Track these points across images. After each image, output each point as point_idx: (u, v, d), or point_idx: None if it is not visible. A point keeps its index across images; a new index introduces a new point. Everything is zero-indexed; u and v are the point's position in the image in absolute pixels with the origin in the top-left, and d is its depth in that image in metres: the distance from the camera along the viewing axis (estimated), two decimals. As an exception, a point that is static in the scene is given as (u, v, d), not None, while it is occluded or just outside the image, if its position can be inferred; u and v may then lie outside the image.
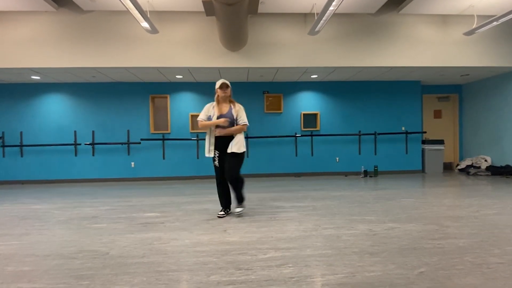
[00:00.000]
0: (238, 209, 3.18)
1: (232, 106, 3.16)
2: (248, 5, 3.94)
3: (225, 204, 3.29)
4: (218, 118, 3.08)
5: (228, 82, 3.13)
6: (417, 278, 1.75)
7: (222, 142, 3.13)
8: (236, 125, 3.12)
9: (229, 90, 3.13)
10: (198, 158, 6.53)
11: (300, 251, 2.21)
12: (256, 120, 6.63)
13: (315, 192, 4.67)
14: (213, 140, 3.15)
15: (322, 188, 5.05)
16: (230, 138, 3.11)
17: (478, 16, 4.95)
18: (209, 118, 3.12)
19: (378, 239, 2.45)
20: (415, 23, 5.26)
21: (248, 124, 3.20)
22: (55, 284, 1.77)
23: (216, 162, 3.17)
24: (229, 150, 3.06)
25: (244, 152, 3.12)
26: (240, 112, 3.15)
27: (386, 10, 4.99)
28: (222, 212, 3.25)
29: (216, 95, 3.16)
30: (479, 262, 1.96)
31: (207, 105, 3.19)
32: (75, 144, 6.32)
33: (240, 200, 3.22)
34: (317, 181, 5.93)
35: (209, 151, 3.16)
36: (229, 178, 3.10)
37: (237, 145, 3.06)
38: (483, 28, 4.50)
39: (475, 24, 4.76)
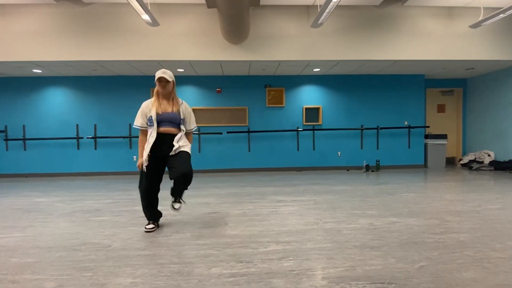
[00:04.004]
0: (178, 205, 2.59)
1: (177, 104, 2.58)
2: (250, -3, 3.89)
3: (155, 216, 2.71)
4: (159, 118, 2.49)
5: (168, 76, 2.48)
6: (418, 272, 1.76)
7: (161, 142, 2.50)
8: (183, 129, 2.62)
9: (171, 84, 2.52)
10: (199, 152, 6.54)
11: (301, 245, 2.22)
12: (258, 114, 6.61)
13: (317, 186, 4.67)
14: (149, 147, 2.47)
15: (324, 182, 5.05)
16: (169, 136, 2.53)
17: (485, 8, 4.86)
18: (149, 120, 2.50)
19: (379, 233, 2.45)
20: (420, 16, 5.17)
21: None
22: (59, 275, 1.79)
23: (144, 167, 2.49)
24: (176, 150, 2.52)
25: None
26: (187, 114, 2.64)
27: (391, 2, 4.91)
28: (152, 226, 2.64)
29: (155, 90, 2.57)
30: (480, 257, 1.96)
31: (143, 104, 2.56)
32: (77, 138, 6.34)
33: (181, 195, 2.64)
34: (318, 175, 5.93)
35: (146, 161, 2.46)
36: (186, 172, 2.48)
37: (188, 146, 2.60)
38: (489, 21, 4.42)
39: (481, 17, 4.67)
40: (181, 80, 6.48)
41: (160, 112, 2.51)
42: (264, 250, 2.14)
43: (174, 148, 2.51)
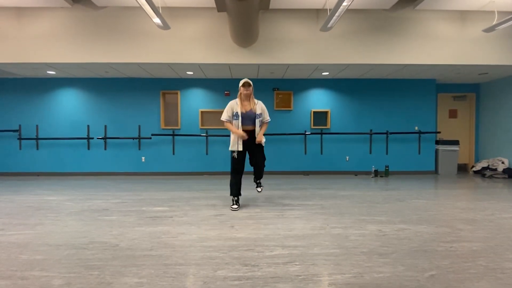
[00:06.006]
0: (260, 189, 3.71)
1: (254, 103, 3.44)
2: (260, 0, 3.90)
3: (239, 191, 3.52)
4: (242, 115, 3.34)
5: (250, 81, 3.40)
6: (428, 281, 1.71)
7: (248, 136, 3.40)
8: (260, 122, 3.43)
9: (251, 89, 3.39)
10: (207, 154, 6.56)
11: (308, 250, 2.19)
12: (266, 117, 6.60)
13: (324, 191, 4.62)
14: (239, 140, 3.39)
15: (331, 187, 5.00)
16: (253, 132, 3.43)
17: (499, 12, 4.75)
18: (235, 115, 3.34)
19: (388, 240, 2.40)
20: (432, 20, 5.09)
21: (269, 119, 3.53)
22: (66, 273, 1.82)
23: (235, 154, 3.39)
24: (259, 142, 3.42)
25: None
26: (263, 110, 3.45)
27: (402, 6, 4.85)
28: (236, 206, 3.43)
29: (239, 93, 3.41)
30: (493, 267, 1.90)
31: (231, 103, 3.41)
32: (88, 138, 6.46)
33: (260, 178, 3.73)
34: (326, 180, 5.87)
35: (238, 145, 3.36)
36: (262, 162, 3.56)
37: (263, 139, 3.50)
38: (504, 25, 4.31)
39: (495, 21, 4.57)
40: (190, 82, 6.54)
41: (244, 111, 3.36)
42: (270, 254, 2.12)
43: (257, 141, 3.39)
